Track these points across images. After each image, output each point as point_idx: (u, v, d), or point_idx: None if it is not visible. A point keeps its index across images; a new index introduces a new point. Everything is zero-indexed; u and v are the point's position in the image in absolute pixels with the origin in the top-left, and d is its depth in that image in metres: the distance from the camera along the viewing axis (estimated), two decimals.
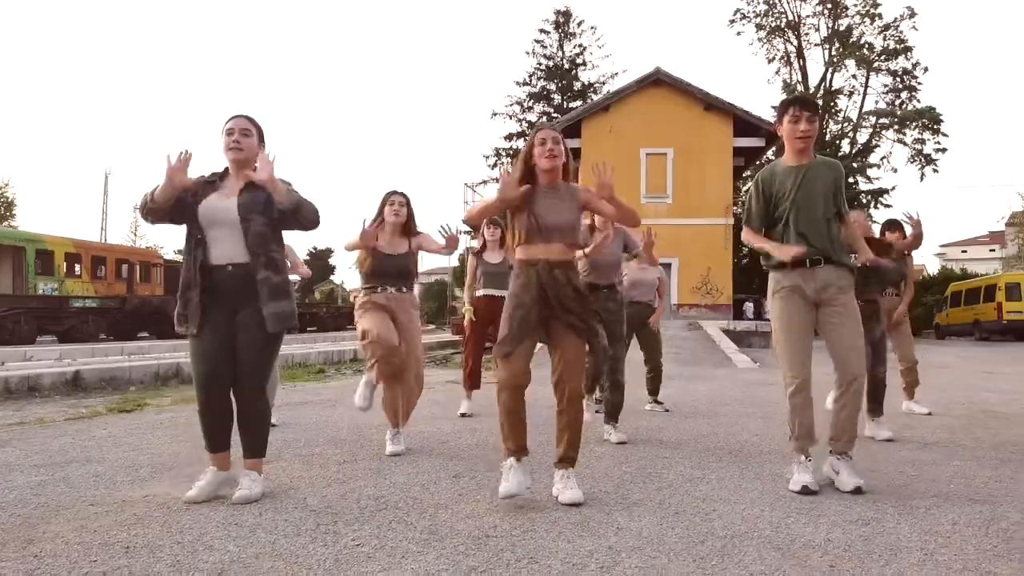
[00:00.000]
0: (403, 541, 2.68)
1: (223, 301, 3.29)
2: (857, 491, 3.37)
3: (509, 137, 38.54)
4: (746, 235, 3.77)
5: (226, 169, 3.44)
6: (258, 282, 3.26)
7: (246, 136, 3.34)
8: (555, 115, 34.63)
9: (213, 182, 3.39)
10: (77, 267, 22.28)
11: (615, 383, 4.88)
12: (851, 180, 31.98)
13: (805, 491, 3.38)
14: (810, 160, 3.61)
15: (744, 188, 32.32)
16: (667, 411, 6.30)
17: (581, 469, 3.92)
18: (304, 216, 3.31)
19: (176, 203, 3.27)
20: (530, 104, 39.35)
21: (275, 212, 3.28)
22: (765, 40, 34.46)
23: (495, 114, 39.80)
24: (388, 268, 4.51)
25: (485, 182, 34.81)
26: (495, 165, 37.88)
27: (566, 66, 39.36)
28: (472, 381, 6.28)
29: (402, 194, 4.61)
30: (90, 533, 2.79)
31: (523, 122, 38.66)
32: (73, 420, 5.92)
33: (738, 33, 36.18)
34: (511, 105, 39.13)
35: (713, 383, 9.31)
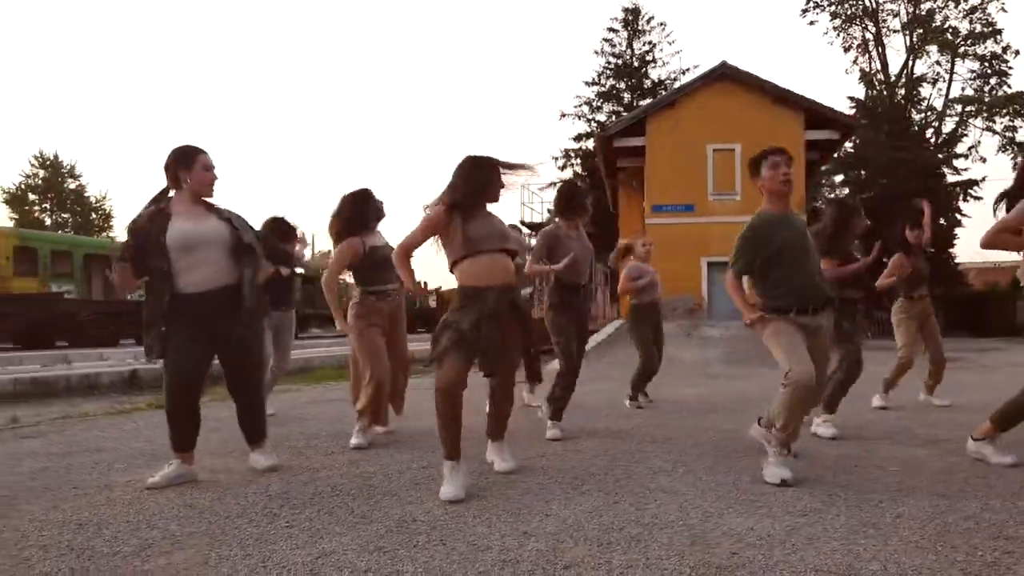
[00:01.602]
0: (331, 524, 2.80)
1: (197, 324, 3.44)
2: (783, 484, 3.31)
3: (578, 138, 38.39)
4: (729, 280, 3.66)
5: (163, 193, 3.52)
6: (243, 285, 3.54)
7: None
8: (624, 113, 34.34)
9: (160, 213, 3.44)
10: None
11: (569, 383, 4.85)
12: (937, 171, 30.54)
13: (784, 484, 3.33)
14: (789, 208, 3.67)
15: (823, 181, 31.42)
16: (640, 408, 6.15)
17: (556, 462, 3.99)
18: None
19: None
20: (599, 104, 39.16)
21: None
22: (841, 28, 33.25)
23: (564, 115, 39.72)
24: (381, 258, 4.55)
25: (553, 184, 34.78)
26: (564, 167, 37.89)
27: (635, 64, 38.99)
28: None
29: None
30: (59, 512, 3.03)
31: (592, 122, 38.47)
32: (112, 415, 6.33)
33: (811, 23, 34.97)
34: (580, 106, 39.06)
35: (751, 381, 9.08)
